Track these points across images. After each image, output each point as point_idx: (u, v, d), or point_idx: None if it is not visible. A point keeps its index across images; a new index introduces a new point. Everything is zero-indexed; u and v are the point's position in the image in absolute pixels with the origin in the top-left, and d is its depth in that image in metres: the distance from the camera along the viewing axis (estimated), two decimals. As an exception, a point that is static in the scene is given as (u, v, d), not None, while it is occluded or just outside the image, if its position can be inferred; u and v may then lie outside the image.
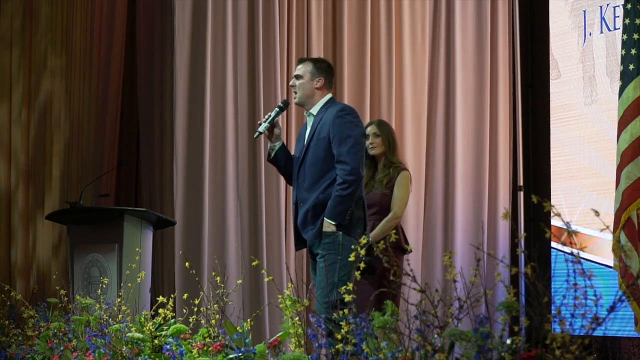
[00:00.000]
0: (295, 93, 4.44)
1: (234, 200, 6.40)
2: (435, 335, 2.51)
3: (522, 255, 5.20)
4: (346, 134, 4.27)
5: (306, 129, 4.48)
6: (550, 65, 6.81)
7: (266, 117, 4.46)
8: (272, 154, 4.51)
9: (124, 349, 4.13)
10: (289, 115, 6.70)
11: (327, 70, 4.47)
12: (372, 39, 6.97)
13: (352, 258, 3.01)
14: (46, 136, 6.70)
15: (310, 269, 4.51)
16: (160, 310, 4.13)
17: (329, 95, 4.46)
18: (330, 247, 4.21)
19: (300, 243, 4.47)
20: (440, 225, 6.96)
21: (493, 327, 2.39)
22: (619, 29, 6.03)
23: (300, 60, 4.54)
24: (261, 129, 4.43)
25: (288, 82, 6.72)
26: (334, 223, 4.21)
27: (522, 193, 6.95)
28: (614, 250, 5.15)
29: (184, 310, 4.20)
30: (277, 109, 4.49)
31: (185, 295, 4.04)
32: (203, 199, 6.29)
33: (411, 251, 5.20)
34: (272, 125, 4.46)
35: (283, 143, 4.52)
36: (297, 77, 4.44)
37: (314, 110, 4.42)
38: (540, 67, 6.97)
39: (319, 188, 4.29)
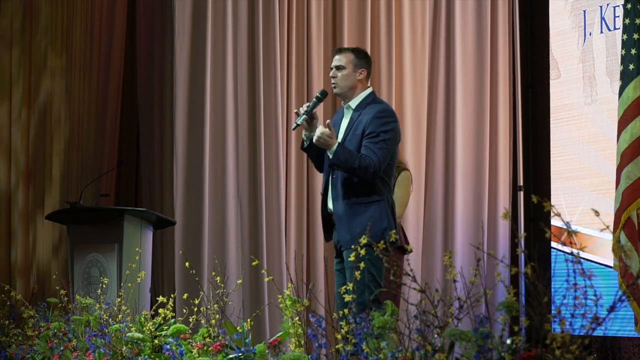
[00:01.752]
0: (335, 84, 4.31)
1: (234, 200, 6.40)
2: (435, 335, 2.51)
3: (522, 255, 5.20)
4: (380, 133, 4.18)
5: (341, 118, 4.39)
6: (550, 65, 6.81)
7: (304, 107, 4.31)
8: (306, 144, 4.37)
9: (124, 349, 4.13)
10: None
11: (367, 60, 4.37)
12: (372, 39, 6.97)
13: (352, 258, 3.01)
14: (46, 136, 6.71)
15: (334, 264, 4.41)
16: (160, 310, 4.13)
17: (370, 90, 4.37)
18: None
19: (329, 234, 4.37)
20: (440, 225, 6.95)
21: (493, 327, 2.39)
22: (619, 29, 6.03)
23: (339, 50, 4.42)
24: (299, 120, 4.27)
25: (288, 82, 6.73)
26: (331, 156, 4.14)
27: (522, 193, 6.95)
28: (614, 250, 5.15)
29: (184, 310, 4.20)
30: (315, 99, 4.35)
31: (185, 295, 4.04)
32: (203, 199, 6.29)
33: (411, 251, 5.20)
34: (311, 117, 4.32)
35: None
36: (339, 68, 4.30)
37: (353, 103, 4.32)
38: (540, 67, 6.97)
39: (352, 184, 4.20)
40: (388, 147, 4.20)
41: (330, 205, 4.32)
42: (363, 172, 4.14)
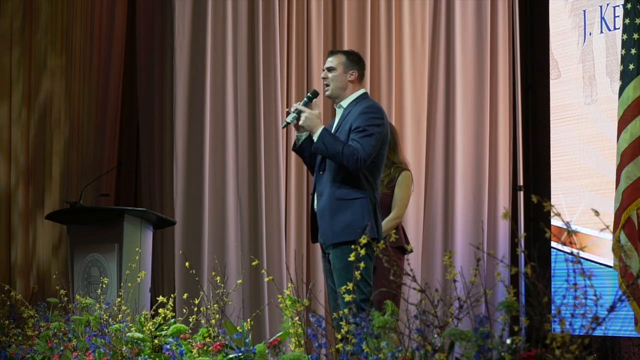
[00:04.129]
0: (327, 85, 4.35)
1: (234, 200, 6.40)
2: (435, 335, 2.51)
3: (522, 255, 5.20)
4: (367, 128, 4.20)
5: (334, 121, 4.43)
6: (550, 65, 6.81)
7: (294, 106, 4.33)
8: (298, 144, 4.39)
9: (124, 349, 4.13)
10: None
11: (359, 62, 4.40)
12: (372, 39, 6.97)
13: (352, 258, 3.01)
14: (46, 136, 6.71)
15: (322, 266, 4.44)
16: (160, 310, 4.13)
17: (363, 90, 4.40)
18: (347, 250, 4.14)
19: (316, 236, 4.38)
20: (440, 225, 6.95)
21: (493, 327, 2.39)
22: (619, 28, 6.03)
23: (332, 53, 4.45)
24: (289, 119, 4.30)
25: (288, 82, 6.73)
26: (315, 139, 4.18)
27: (522, 193, 6.95)
28: (614, 250, 5.16)
29: (184, 310, 4.20)
30: (306, 99, 4.37)
31: (185, 295, 4.04)
32: (203, 199, 6.29)
33: (412, 251, 5.20)
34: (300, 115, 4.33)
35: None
36: (330, 69, 4.35)
37: (345, 103, 4.35)
38: (540, 67, 6.97)
39: (337, 181, 4.24)
40: (374, 142, 4.20)
41: (315, 202, 4.34)
42: (347, 159, 4.14)
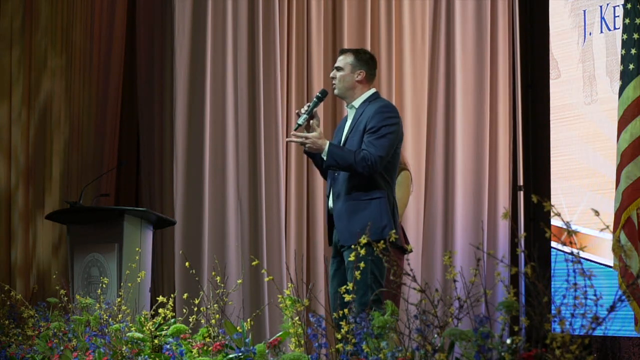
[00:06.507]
0: (334, 85, 4.36)
1: (234, 200, 6.40)
2: (435, 335, 2.51)
3: (522, 255, 5.20)
4: (381, 128, 4.20)
5: (346, 121, 4.42)
6: (550, 65, 6.81)
7: (305, 107, 4.33)
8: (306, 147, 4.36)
9: (124, 349, 4.13)
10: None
11: (368, 62, 4.39)
12: (372, 39, 6.97)
13: (352, 258, 3.00)
14: (46, 136, 6.71)
15: (330, 264, 4.40)
16: (160, 310, 4.13)
17: (373, 90, 4.40)
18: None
19: (331, 237, 4.36)
20: (440, 225, 6.95)
21: (493, 327, 2.39)
22: (619, 28, 6.03)
23: (342, 51, 4.46)
24: (300, 120, 4.28)
25: (288, 82, 6.73)
26: (325, 158, 4.16)
27: (522, 193, 6.95)
28: (614, 250, 5.15)
29: (184, 310, 4.20)
30: (315, 99, 4.36)
31: (185, 295, 4.04)
32: (203, 199, 6.29)
33: (411, 251, 5.20)
34: (311, 116, 4.32)
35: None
36: (338, 68, 4.36)
37: (357, 103, 4.35)
38: (540, 67, 6.97)
39: (353, 181, 4.21)
40: (389, 141, 4.21)
41: (331, 203, 4.33)
42: (361, 166, 4.14)
